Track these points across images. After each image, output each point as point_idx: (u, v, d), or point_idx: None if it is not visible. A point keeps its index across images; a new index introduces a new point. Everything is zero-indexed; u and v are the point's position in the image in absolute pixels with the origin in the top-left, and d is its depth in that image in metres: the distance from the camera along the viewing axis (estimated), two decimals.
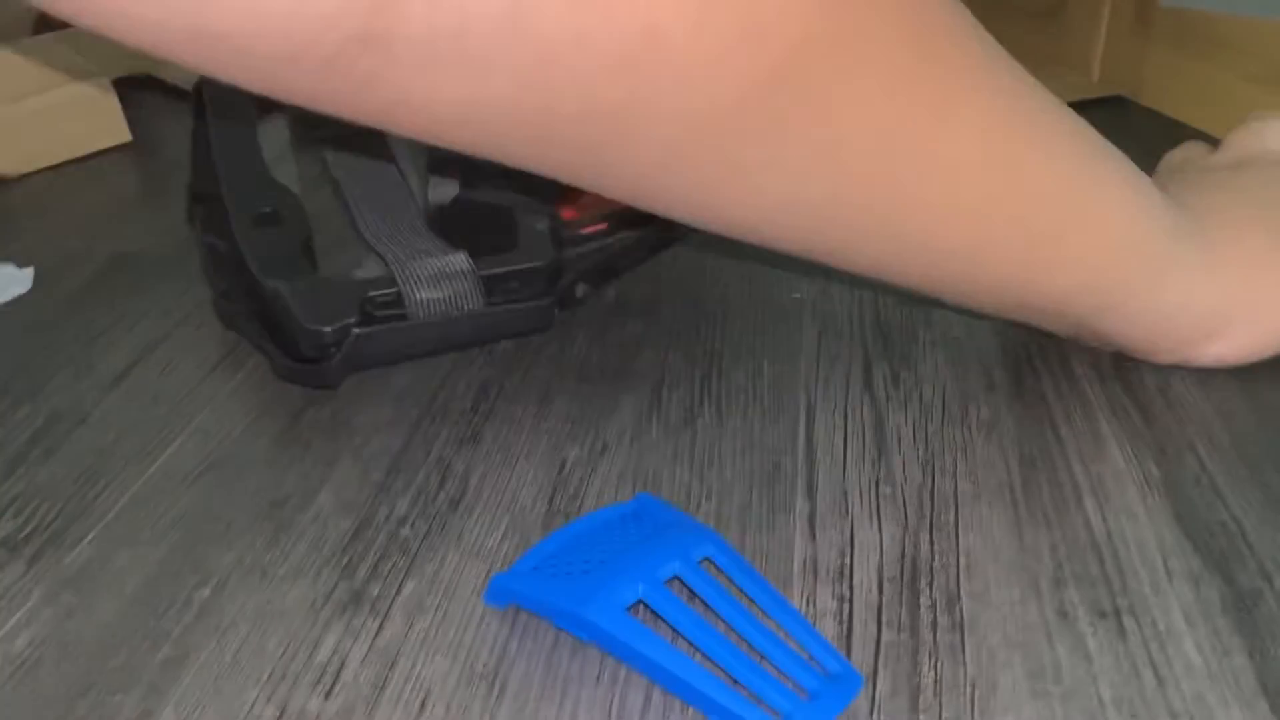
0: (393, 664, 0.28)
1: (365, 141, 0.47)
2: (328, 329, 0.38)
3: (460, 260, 0.40)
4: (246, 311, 0.41)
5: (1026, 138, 0.34)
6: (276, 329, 0.39)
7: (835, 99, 0.27)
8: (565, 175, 0.29)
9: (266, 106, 0.47)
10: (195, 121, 0.47)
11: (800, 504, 0.34)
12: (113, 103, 0.64)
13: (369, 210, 0.44)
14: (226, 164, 0.43)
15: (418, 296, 0.39)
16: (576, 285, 0.43)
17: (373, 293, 0.39)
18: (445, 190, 0.45)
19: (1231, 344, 0.38)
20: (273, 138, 0.48)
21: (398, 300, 0.39)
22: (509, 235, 0.42)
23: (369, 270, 0.42)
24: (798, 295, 0.47)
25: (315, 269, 0.42)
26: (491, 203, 0.43)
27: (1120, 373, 0.41)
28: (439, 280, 0.39)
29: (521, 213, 0.42)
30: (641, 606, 0.30)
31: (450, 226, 0.44)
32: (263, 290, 0.39)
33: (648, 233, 0.45)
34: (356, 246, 0.45)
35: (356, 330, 0.38)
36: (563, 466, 0.36)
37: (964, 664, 0.28)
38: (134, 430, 0.38)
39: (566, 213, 0.45)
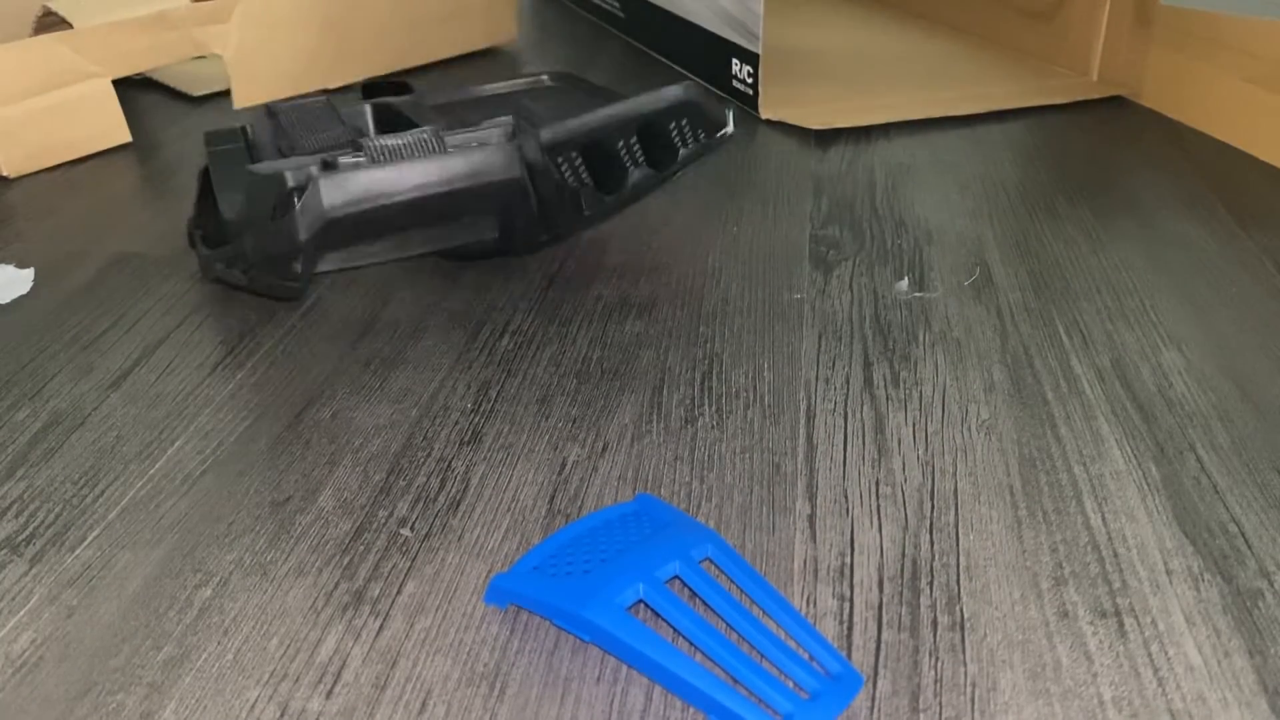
0: (393, 664, 0.28)
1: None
2: (289, 171, 0.38)
3: (423, 129, 0.41)
4: (228, 257, 0.42)
5: None
6: (252, 218, 0.40)
7: None
8: None
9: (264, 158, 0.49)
10: (200, 186, 0.49)
11: (800, 504, 0.34)
12: (113, 103, 0.64)
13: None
14: (225, 193, 0.44)
15: (378, 144, 0.40)
16: (542, 153, 0.44)
17: (334, 151, 0.40)
18: None
19: None
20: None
21: (357, 150, 0.40)
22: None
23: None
24: (798, 295, 0.47)
25: None
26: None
27: (1120, 372, 0.41)
28: (399, 136, 0.41)
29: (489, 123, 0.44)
30: (641, 606, 0.30)
31: None
32: (236, 182, 0.40)
33: (617, 124, 0.46)
34: None
35: (318, 175, 0.39)
36: (563, 466, 0.36)
37: (964, 664, 0.28)
38: (135, 431, 0.38)
39: None
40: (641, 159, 0.47)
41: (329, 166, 0.39)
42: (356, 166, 0.39)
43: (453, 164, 0.41)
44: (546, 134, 0.44)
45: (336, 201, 0.39)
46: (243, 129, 0.49)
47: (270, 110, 0.49)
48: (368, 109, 0.50)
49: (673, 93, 0.46)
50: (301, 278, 0.41)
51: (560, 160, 0.45)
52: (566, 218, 0.46)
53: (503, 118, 0.43)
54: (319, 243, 0.40)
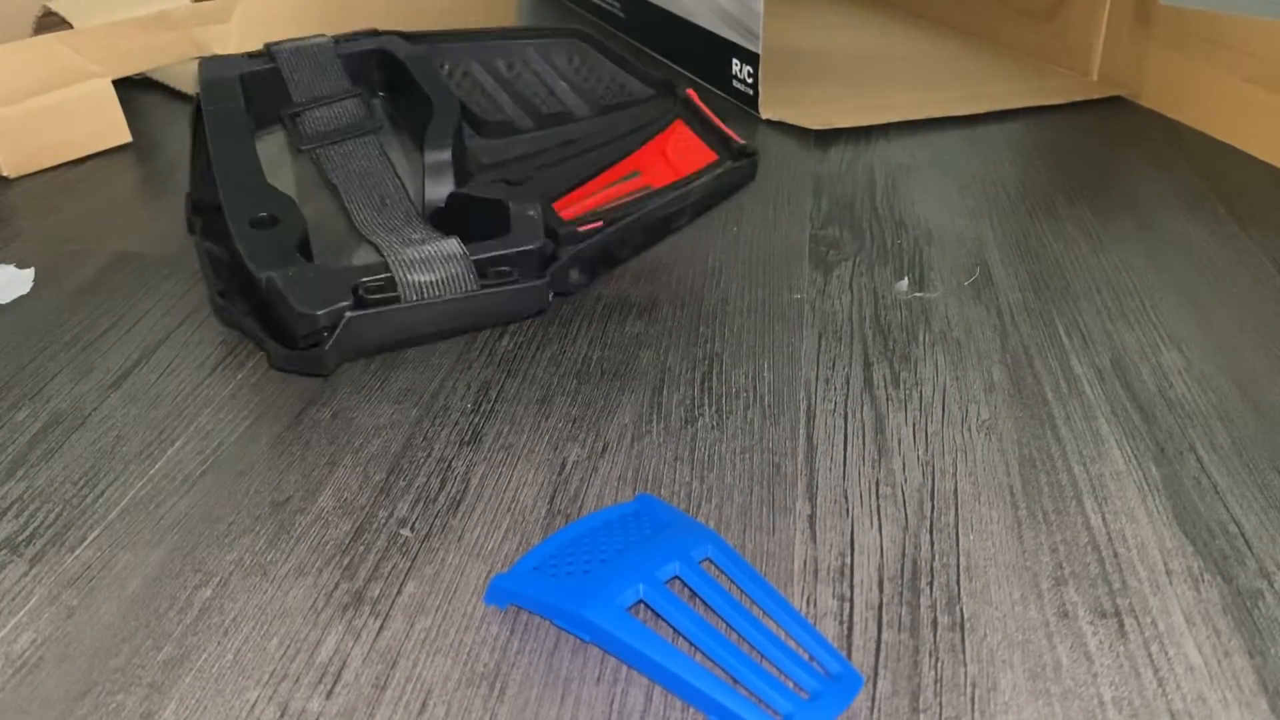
0: (393, 664, 0.28)
1: (361, 146, 0.47)
2: (321, 312, 0.38)
3: (452, 245, 0.40)
4: (244, 308, 0.41)
5: None
6: (271, 318, 0.39)
7: None
8: None
9: (264, 121, 0.48)
10: (194, 135, 0.47)
11: (800, 505, 0.34)
12: (113, 103, 0.64)
13: (363, 206, 0.44)
14: (224, 173, 0.43)
15: (410, 279, 0.39)
16: (570, 271, 0.43)
17: (365, 278, 0.39)
18: (440, 189, 0.45)
19: None
20: (271, 149, 0.48)
21: (390, 284, 0.39)
22: (502, 224, 0.42)
23: (363, 259, 0.42)
24: (798, 295, 0.47)
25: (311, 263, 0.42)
26: (485, 197, 0.43)
27: (1120, 372, 0.41)
28: (431, 264, 0.40)
29: (515, 204, 0.43)
30: (641, 606, 0.30)
31: (446, 222, 0.44)
32: (257, 281, 0.39)
33: (643, 223, 0.45)
34: (352, 241, 0.45)
35: (349, 314, 0.38)
36: (563, 467, 0.36)
37: (964, 664, 0.28)
38: (135, 431, 0.38)
39: (564, 214, 0.45)
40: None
41: (360, 303, 0.38)
42: (387, 302, 0.39)
43: (484, 304, 0.40)
44: (582, 252, 0.43)
45: (365, 339, 0.39)
46: (240, 79, 0.47)
47: (270, 53, 0.48)
48: (374, 59, 0.49)
49: (708, 184, 0.46)
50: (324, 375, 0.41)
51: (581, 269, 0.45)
52: (579, 290, 0.47)
53: (530, 212, 0.42)
54: (342, 361, 0.41)
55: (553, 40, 0.54)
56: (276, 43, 0.49)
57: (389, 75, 0.50)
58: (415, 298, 0.39)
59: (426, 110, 0.46)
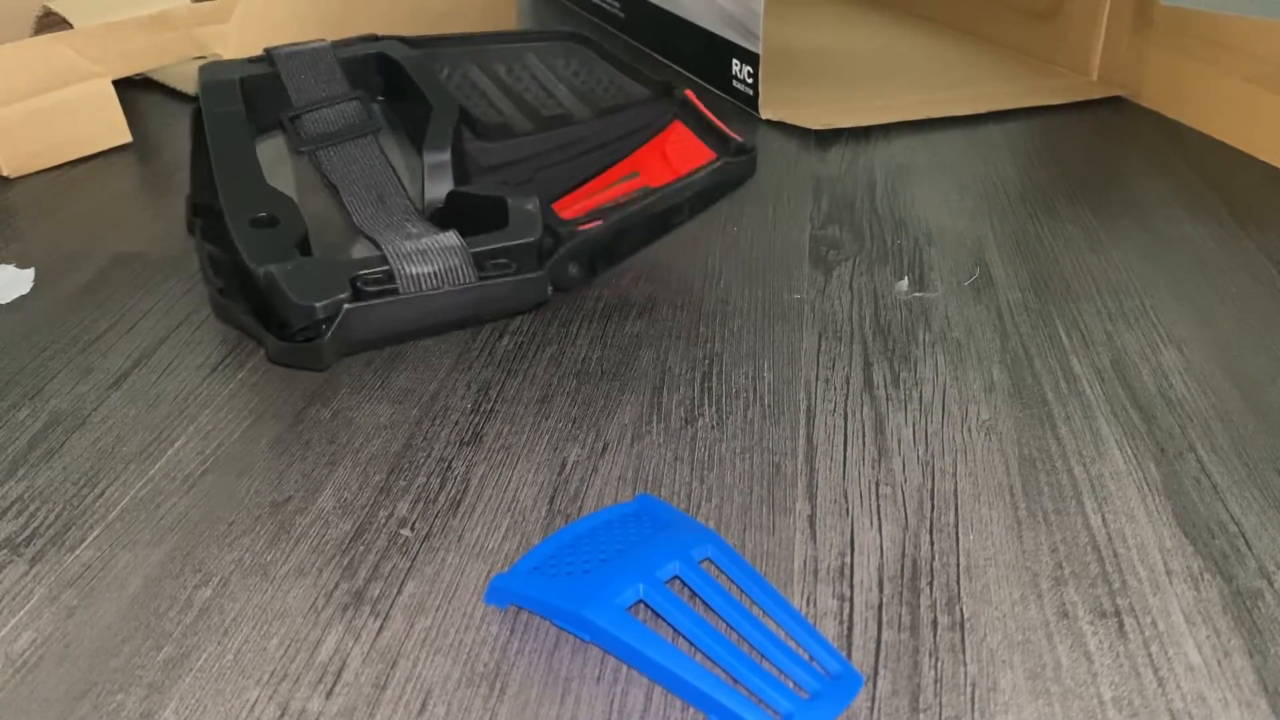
0: (394, 664, 0.28)
1: (360, 148, 0.47)
2: (319, 304, 0.38)
3: (450, 237, 0.40)
4: (243, 307, 0.41)
5: None
6: (269, 312, 0.39)
7: None
8: None
9: (264, 125, 0.48)
10: (194, 139, 0.48)
11: (800, 505, 0.34)
12: (113, 103, 0.64)
13: (362, 204, 0.45)
14: (224, 175, 0.43)
15: (408, 271, 0.39)
16: (569, 265, 0.43)
17: (364, 270, 0.39)
18: (439, 189, 0.45)
19: None
20: (270, 152, 0.48)
21: (388, 277, 0.39)
22: (500, 219, 0.42)
23: (361, 253, 0.42)
24: (798, 295, 0.47)
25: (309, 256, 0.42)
26: (484, 194, 0.43)
27: (1120, 373, 0.41)
28: (429, 256, 0.40)
29: (513, 198, 0.43)
30: (641, 606, 0.30)
31: (445, 220, 0.44)
32: (256, 276, 0.39)
33: (642, 218, 0.45)
34: (351, 237, 0.45)
35: (348, 305, 0.38)
36: (563, 467, 0.36)
37: (964, 664, 0.28)
38: (135, 431, 0.38)
39: (564, 214, 0.45)
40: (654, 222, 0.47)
41: (358, 295, 0.38)
42: (385, 294, 0.39)
43: (483, 296, 0.40)
44: (580, 246, 0.43)
45: (364, 332, 0.39)
46: (240, 82, 0.47)
47: (270, 57, 0.48)
48: (373, 63, 0.49)
49: (706, 180, 0.46)
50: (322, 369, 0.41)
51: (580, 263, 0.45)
52: (578, 285, 0.47)
53: (529, 206, 0.42)
54: (342, 353, 0.41)
55: (551, 44, 0.54)
56: (276, 47, 0.49)
57: (388, 79, 0.50)
58: (413, 290, 0.39)
59: (425, 112, 0.46)
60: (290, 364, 0.40)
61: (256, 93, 0.48)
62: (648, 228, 0.46)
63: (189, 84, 0.75)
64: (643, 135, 0.51)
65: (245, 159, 0.44)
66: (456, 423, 0.38)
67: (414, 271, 0.39)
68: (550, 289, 0.42)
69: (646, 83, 0.53)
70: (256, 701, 0.27)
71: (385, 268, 0.39)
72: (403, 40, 0.52)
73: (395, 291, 0.39)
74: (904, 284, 0.48)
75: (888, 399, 0.39)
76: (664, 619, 0.28)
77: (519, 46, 0.54)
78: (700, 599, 0.29)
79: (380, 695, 0.27)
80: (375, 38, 0.52)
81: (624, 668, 0.28)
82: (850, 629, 0.29)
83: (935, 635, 0.29)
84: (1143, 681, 0.27)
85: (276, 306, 0.38)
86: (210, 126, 0.45)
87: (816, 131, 0.67)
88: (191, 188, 0.48)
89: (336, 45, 0.50)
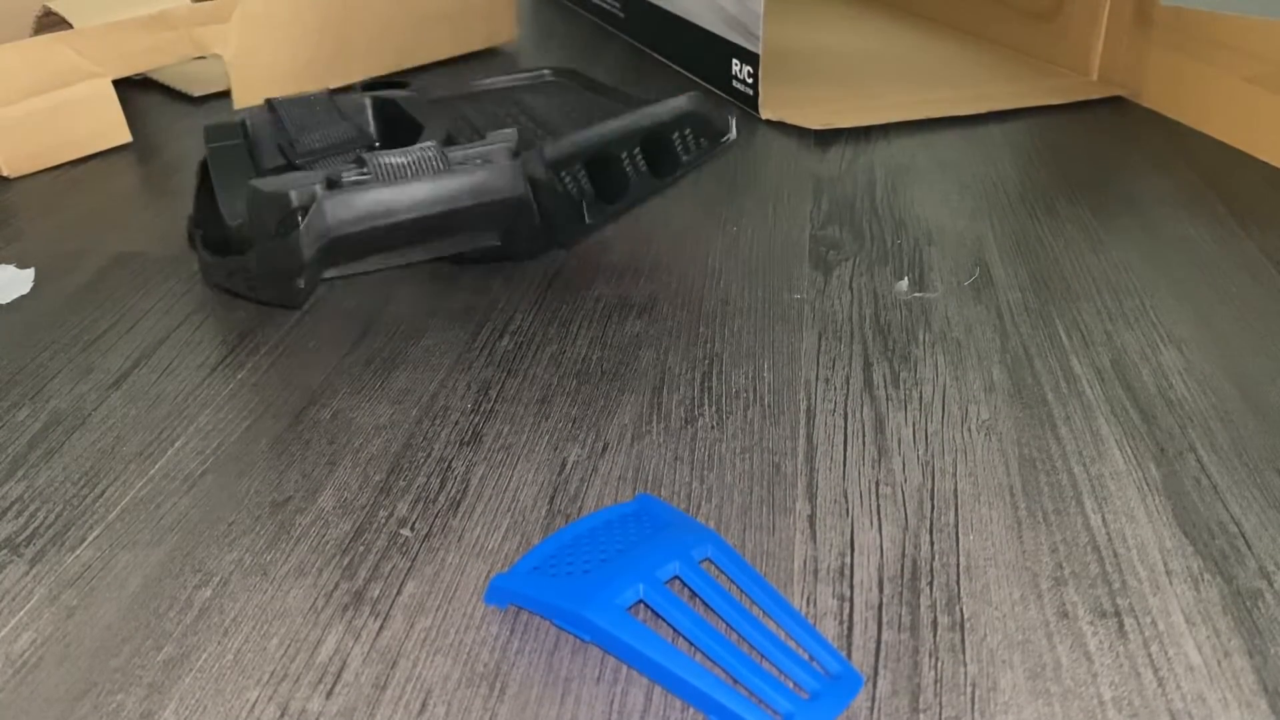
0: (394, 664, 0.28)
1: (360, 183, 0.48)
2: (293, 191, 0.38)
3: (427, 144, 0.41)
4: (230, 268, 0.42)
5: None
6: (250, 243, 0.40)
7: None
8: None
9: (267, 166, 0.49)
10: (199, 181, 0.49)
11: (800, 505, 0.34)
12: (113, 103, 0.64)
13: None
14: (226, 194, 0.44)
15: (381, 162, 0.40)
16: (544, 168, 0.44)
17: (340, 169, 0.40)
18: None
19: None
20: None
21: (365, 175, 0.40)
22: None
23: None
24: (798, 295, 0.47)
25: None
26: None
27: (1120, 373, 0.41)
28: (404, 154, 0.41)
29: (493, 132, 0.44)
30: (641, 606, 0.30)
31: None
32: (244, 202, 0.40)
33: (618, 132, 0.45)
34: None
35: (321, 191, 0.38)
36: (563, 467, 0.36)
37: (964, 664, 0.28)
38: (135, 431, 0.38)
39: None
40: (644, 167, 0.47)
41: (333, 185, 0.39)
42: (360, 185, 0.39)
43: (457, 183, 0.41)
44: (550, 149, 0.44)
45: (341, 220, 0.39)
46: (242, 123, 0.49)
47: (270, 105, 0.49)
48: (368, 104, 0.50)
49: (678, 104, 0.46)
50: (304, 291, 0.42)
51: (564, 174, 0.45)
52: (569, 227, 0.47)
53: (507, 130, 0.43)
54: (322, 259, 0.40)
55: (541, 81, 0.55)
56: (276, 99, 0.50)
57: (383, 122, 0.51)
58: (388, 179, 0.40)
59: (416, 132, 0.47)
60: (271, 271, 0.41)
61: (258, 131, 0.49)
62: (626, 137, 0.46)
63: (189, 84, 0.75)
64: None
65: (247, 179, 0.45)
66: (456, 423, 0.38)
67: (388, 161, 0.40)
68: (528, 189, 0.42)
69: (634, 104, 0.53)
70: (256, 701, 0.27)
71: (363, 169, 0.40)
72: (394, 86, 0.53)
73: (369, 181, 0.40)
74: (904, 284, 0.48)
75: (888, 399, 0.39)
76: (664, 619, 0.28)
77: (509, 87, 0.55)
78: (700, 599, 0.29)
79: (380, 695, 0.27)
80: (370, 87, 0.53)
81: (624, 668, 0.28)
82: (850, 629, 0.29)
83: (935, 635, 0.29)
84: (1143, 681, 0.27)
85: (255, 214, 0.39)
86: (213, 159, 0.47)
87: (816, 131, 0.67)
88: (194, 210, 0.49)
89: (333, 94, 0.52)
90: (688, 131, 0.47)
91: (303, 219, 0.38)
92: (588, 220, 0.47)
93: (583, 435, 0.37)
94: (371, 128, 0.50)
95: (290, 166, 0.48)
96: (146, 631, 0.29)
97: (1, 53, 0.60)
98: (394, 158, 0.40)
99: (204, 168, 0.48)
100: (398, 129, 0.50)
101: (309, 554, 0.32)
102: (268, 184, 0.39)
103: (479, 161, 0.41)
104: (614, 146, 0.45)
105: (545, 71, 0.56)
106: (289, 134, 0.48)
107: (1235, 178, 0.60)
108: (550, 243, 0.48)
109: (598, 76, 0.79)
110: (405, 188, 0.40)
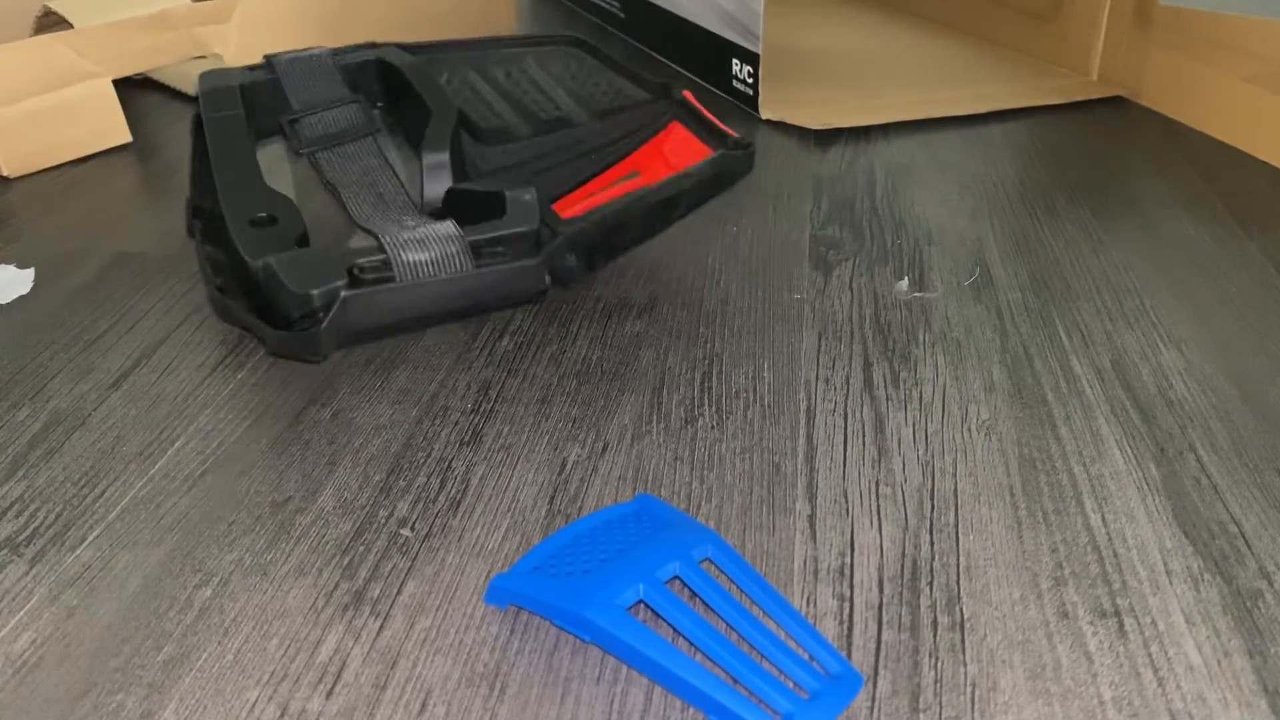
0: (394, 664, 0.28)
1: (359, 148, 0.47)
2: (316, 291, 0.38)
3: (447, 226, 0.40)
4: (242, 304, 0.41)
5: None
6: (268, 305, 0.39)
7: None
8: None
9: (265, 130, 0.48)
10: (194, 143, 0.48)
11: (800, 505, 0.34)
12: (113, 103, 0.64)
13: (361, 202, 0.45)
14: (224, 177, 0.43)
15: (405, 259, 0.39)
16: (567, 254, 0.43)
17: (361, 259, 0.39)
18: (438, 188, 0.45)
19: None
20: (270, 155, 0.49)
21: (385, 265, 0.39)
22: (498, 211, 0.43)
23: (359, 244, 0.42)
24: (798, 295, 0.47)
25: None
26: (482, 189, 0.44)
27: (1120, 373, 0.41)
28: (426, 244, 0.40)
29: (510, 190, 0.43)
30: (641, 606, 0.30)
31: (444, 217, 0.44)
32: (254, 270, 0.39)
33: (640, 208, 0.45)
34: (349, 232, 0.45)
35: (344, 292, 0.38)
36: (563, 467, 0.36)
37: (964, 664, 0.28)
38: (135, 431, 0.38)
39: (564, 214, 0.45)
40: (656, 217, 0.47)
41: (355, 282, 0.38)
42: (382, 281, 0.39)
43: (480, 283, 0.41)
44: (573, 232, 0.43)
45: (361, 320, 0.39)
46: (240, 88, 0.48)
47: (270, 63, 0.49)
48: (373, 69, 0.49)
49: (704, 170, 0.46)
50: (323, 357, 0.42)
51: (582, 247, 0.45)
52: (577, 278, 0.47)
53: (526, 197, 0.42)
54: (340, 344, 0.41)
55: (549, 48, 0.54)
56: (276, 54, 0.49)
57: (387, 85, 0.50)
58: (410, 278, 0.39)
59: (424, 116, 0.47)
60: (288, 354, 0.40)
61: (256, 98, 0.48)
62: (646, 219, 0.46)
63: (189, 84, 0.75)
64: (641, 136, 0.51)
65: (245, 162, 0.44)
66: (456, 423, 0.38)
67: (411, 259, 0.39)
68: (548, 279, 0.42)
69: (644, 84, 0.53)
70: (256, 701, 0.27)
71: (382, 255, 0.39)
72: (401, 47, 0.52)
73: (392, 279, 0.39)
74: (904, 284, 0.48)
75: (888, 399, 0.39)
76: (664, 619, 0.28)
77: (517, 51, 0.54)
78: (700, 599, 0.29)
79: (380, 695, 0.27)
80: (373, 45, 0.52)
81: (624, 668, 0.28)
82: (850, 629, 0.29)
83: (935, 635, 0.29)
84: (1143, 681, 0.27)
85: (274, 297, 0.39)
86: (210, 131, 0.46)
87: (816, 131, 0.67)
88: (191, 191, 0.48)
89: (336, 53, 0.51)
90: (709, 191, 0.47)
91: (324, 316, 0.38)
92: (594, 270, 0.47)
93: (583, 435, 0.37)
94: (374, 89, 0.50)
95: (280, 133, 0.47)
96: (146, 631, 0.29)
97: (1, 53, 0.60)
98: (417, 255, 0.39)
99: (199, 130, 0.47)
100: (401, 99, 0.49)
101: (309, 554, 0.32)
102: (288, 267, 0.38)
103: (502, 254, 0.41)
104: (635, 217, 0.45)
105: (555, 42, 0.55)
106: (289, 100, 0.47)
107: (1235, 178, 0.60)
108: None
109: None
110: (427, 288, 0.39)
